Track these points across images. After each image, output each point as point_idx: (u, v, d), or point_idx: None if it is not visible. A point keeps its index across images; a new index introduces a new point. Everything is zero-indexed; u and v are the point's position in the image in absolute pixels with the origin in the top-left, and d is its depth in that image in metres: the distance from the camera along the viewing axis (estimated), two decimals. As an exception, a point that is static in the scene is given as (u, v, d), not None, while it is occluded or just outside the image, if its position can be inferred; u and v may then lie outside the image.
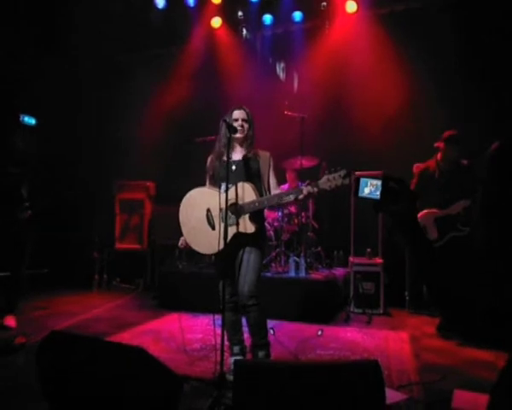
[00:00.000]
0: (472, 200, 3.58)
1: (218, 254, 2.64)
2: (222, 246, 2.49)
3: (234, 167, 2.74)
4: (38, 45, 5.85)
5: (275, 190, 2.80)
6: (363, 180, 1.23)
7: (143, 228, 6.26)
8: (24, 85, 5.77)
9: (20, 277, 3.87)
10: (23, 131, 4.47)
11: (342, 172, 2.37)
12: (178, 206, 2.86)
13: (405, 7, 5.52)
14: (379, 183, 1.20)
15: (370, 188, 1.22)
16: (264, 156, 2.82)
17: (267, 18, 6.21)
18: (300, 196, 2.52)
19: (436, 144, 3.91)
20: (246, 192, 2.61)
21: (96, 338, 2.44)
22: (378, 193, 1.20)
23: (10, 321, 3.74)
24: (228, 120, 2.65)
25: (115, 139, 6.54)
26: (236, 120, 2.76)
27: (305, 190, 2.48)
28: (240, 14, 6.26)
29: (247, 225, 2.60)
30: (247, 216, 2.60)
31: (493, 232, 1.15)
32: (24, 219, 3.82)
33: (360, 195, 1.24)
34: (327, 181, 2.41)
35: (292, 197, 2.59)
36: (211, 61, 6.33)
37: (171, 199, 5.10)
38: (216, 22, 6.38)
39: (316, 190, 2.46)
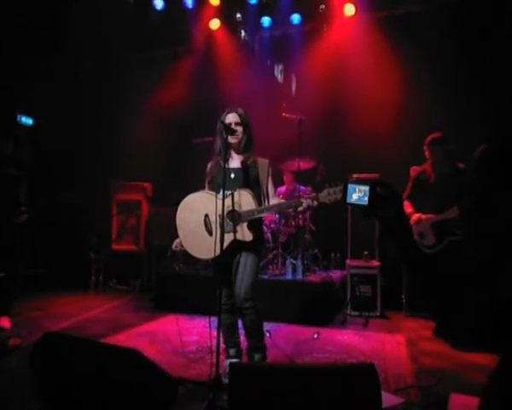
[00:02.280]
0: (459, 204, 3.56)
1: (215, 259, 2.63)
2: (218, 252, 2.48)
3: (233, 175, 2.73)
4: (38, 45, 5.84)
5: (272, 199, 2.81)
6: (350, 186, 1.23)
7: (140, 229, 6.24)
8: (22, 85, 5.75)
9: (15, 278, 3.85)
10: (20, 132, 4.45)
11: (343, 187, 2.37)
12: (175, 207, 2.85)
13: (403, 10, 5.53)
14: (367, 188, 1.20)
15: (358, 194, 1.22)
16: (263, 164, 2.81)
17: (265, 20, 6.21)
18: (300, 209, 2.54)
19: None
20: (245, 200, 2.61)
21: (90, 340, 2.43)
22: (366, 199, 1.20)
23: (5, 322, 3.72)
24: (224, 122, 2.65)
25: (113, 140, 6.53)
26: (229, 124, 2.72)
27: (305, 203, 2.49)
28: (238, 15, 6.27)
29: (245, 233, 2.60)
30: (245, 224, 2.59)
31: (483, 236, 1.14)
32: (20, 223, 3.80)
33: (348, 201, 1.24)
34: (327, 195, 2.42)
35: (291, 209, 2.60)
36: (209, 63, 6.34)
37: (168, 200, 5.10)
38: (214, 24, 6.38)
39: (316, 203, 2.47)
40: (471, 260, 1.17)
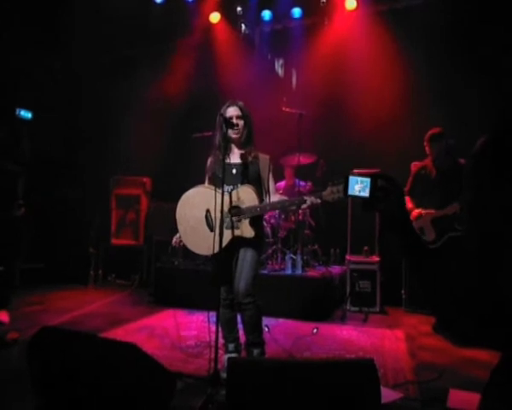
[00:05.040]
0: (459, 199, 3.55)
1: (215, 255, 2.61)
2: (219, 249, 2.46)
3: (234, 171, 2.71)
4: (37, 41, 5.80)
5: (273, 195, 2.78)
6: (352, 179, 1.22)
7: (139, 224, 6.23)
8: (22, 80, 5.72)
9: (13, 272, 3.84)
10: (19, 126, 4.42)
11: (344, 179, 2.34)
12: (175, 202, 2.82)
13: (405, 4, 5.50)
14: (368, 181, 1.19)
15: (360, 186, 1.21)
16: (264, 160, 2.78)
17: (266, 14, 6.18)
18: (303, 206, 2.52)
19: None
20: (247, 196, 2.58)
21: (88, 334, 2.42)
22: (367, 191, 1.19)
23: (3, 316, 3.71)
24: (225, 115, 2.62)
25: (112, 134, 6.50)
26: (231, 118, 2.69)
27: (309, 200, 2.47)
28: (239, 9, 6.23)
29: (246, 230, 2.57)
30: (247, 221, 2.57)
31: (481, 229, 1.13)
32: (18, 217, 3.79)
33: (349, 193, 1.23)
34: (330, 193, 2.40)
35: (294, 206, 2.58)
36: (209, 57, 6.30)
37: (167, 195, 5.08)
38: (214, 17, 6.34)
39: (319, 201, 2.46)
40: (471, 256, 1.16)
